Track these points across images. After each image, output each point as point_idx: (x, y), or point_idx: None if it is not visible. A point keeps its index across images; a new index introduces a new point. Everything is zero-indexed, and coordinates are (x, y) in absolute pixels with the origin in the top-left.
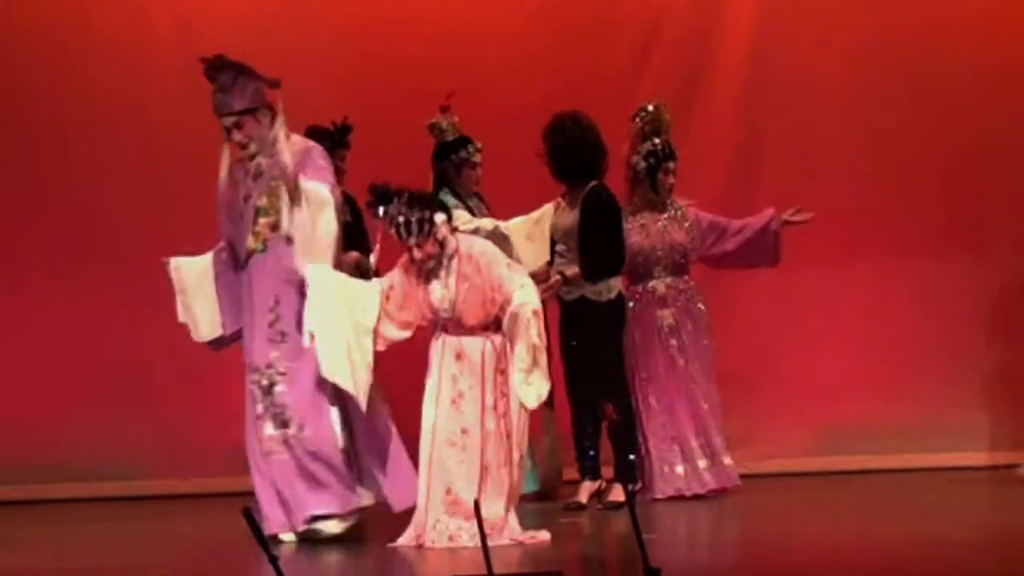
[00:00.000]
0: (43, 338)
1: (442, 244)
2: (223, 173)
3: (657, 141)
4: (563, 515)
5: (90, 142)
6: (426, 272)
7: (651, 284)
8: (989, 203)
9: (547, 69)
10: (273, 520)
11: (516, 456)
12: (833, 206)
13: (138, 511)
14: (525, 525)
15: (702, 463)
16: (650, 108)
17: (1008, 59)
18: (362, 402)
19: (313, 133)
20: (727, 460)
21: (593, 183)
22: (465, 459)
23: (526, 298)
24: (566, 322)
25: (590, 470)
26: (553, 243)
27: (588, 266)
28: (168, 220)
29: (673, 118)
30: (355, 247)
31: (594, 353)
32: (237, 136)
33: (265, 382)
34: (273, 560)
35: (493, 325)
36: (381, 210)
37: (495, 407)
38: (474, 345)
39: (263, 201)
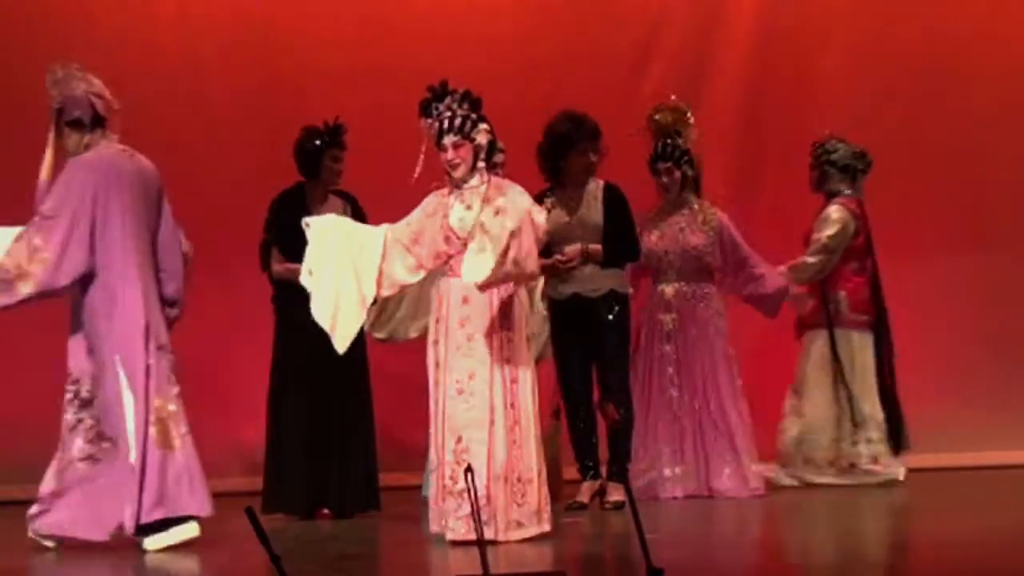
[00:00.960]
0: (44, 338)
1: (476, 154)
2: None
3: (660, 143)
4: (565, 515)
5: None
6: (449, 201)
7: (660, 287)
8: (992, 202)
9: (549, 69)
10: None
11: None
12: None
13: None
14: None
15: (668, 471)
16: (654, 115)
17: (1010, 58)
18: (339, 346)
19: (306, 133)
20: (753, 467)
21: (604, 181)
22: (474, 405)
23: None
24: (568, 322)
25: (591, 470)
26: (552, 244)
27: (616, 251)
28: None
29: (680, 119)
30: None
31: (599, 352)
32: None
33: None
34: (275, 560)
35: None
36: (434, 107)
37: (502, 350)
38: None
39: None
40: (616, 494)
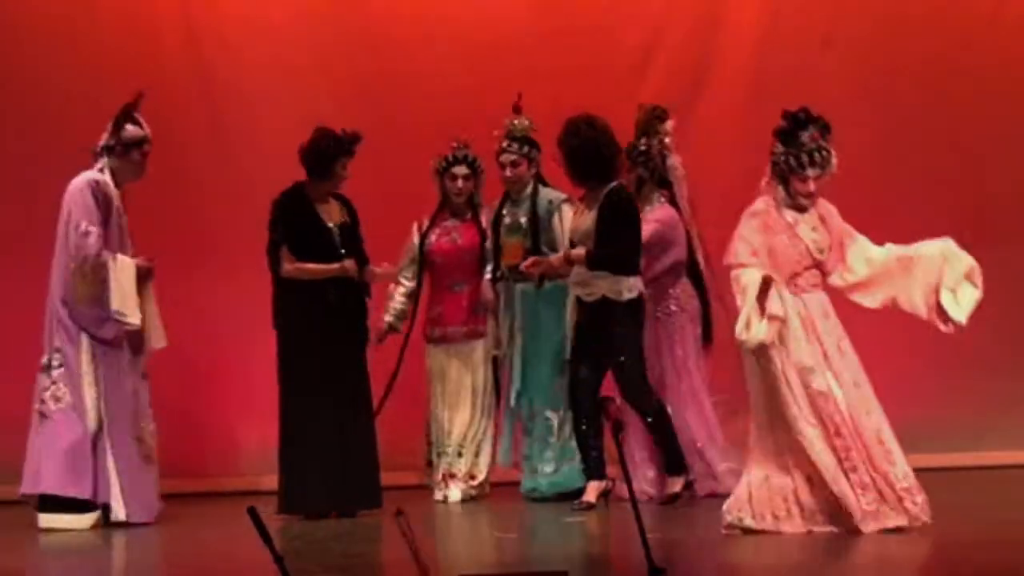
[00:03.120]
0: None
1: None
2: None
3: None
4: (572, 515)
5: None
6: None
7: None
8: (994, 202)
9: (551, 73)
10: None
11: None
12: (837, 206)
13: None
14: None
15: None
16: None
17: (1013, 57)
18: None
19: (322, 135)
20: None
21: (613, 184)
22: None
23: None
24: (584, 322)
25: (596, 470)
26: (572, 245)
27: (596, 256)
28: (171, 219)
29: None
30: (352, 253)
31: (615, 354)
32: None
33: None
34: (278, 559)
35: None
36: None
37: None
38: None
39: None
40: (674, 487)
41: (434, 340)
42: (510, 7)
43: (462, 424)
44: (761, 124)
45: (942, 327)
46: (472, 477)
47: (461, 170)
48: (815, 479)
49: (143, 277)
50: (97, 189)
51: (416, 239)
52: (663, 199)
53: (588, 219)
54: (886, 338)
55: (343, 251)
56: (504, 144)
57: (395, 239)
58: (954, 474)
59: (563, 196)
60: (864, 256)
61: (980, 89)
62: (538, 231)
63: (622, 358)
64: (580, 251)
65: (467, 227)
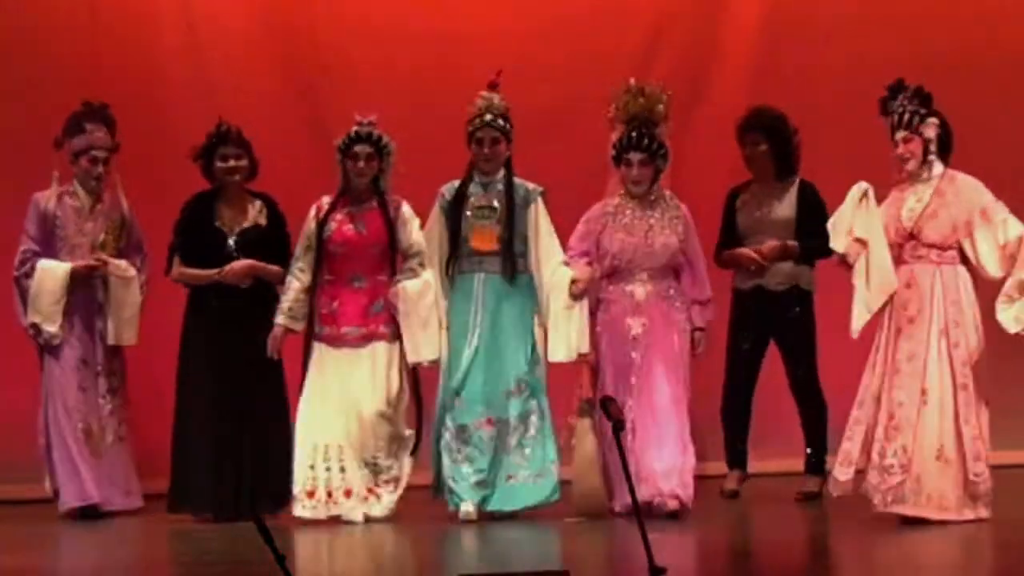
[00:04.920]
0: None
1: (926, 148)
2: None
3: (633, 131)
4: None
5: None
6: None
7: (629, 288)
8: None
9: (554, 67)
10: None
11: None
12: (838, 206)
13: (144, 509)
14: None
15: None
16: (625, 100)
17: (1014, 58)
18: None
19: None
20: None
21: (797, 177)
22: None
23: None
24: (768, 313)
25: (738, 460)
26: (739, 235)
27: (810, 248)
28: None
29: (655, 107)
30: (260, 257)
31: (805, 342)
32: None
33: None
34: (280, 560)
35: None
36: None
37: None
38: None
39: None
40: (811, 485)
41: (324, 339)
42: (510, 5)
43: (352, 435)
44: None
45: None
46: (371, 492)
47: (364, 149)
48: None
49: (80, 278)
50: (35, 205)
51: (313, 225)
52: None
53: (781, 209)
54: None
55: (237, 256)
56: (487, 118)
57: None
58: None
59: (540, 187)
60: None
61: (983, 89)
62: (514, 218)
63: (808, 346)
64: (793, 243)
65: (372, 215)
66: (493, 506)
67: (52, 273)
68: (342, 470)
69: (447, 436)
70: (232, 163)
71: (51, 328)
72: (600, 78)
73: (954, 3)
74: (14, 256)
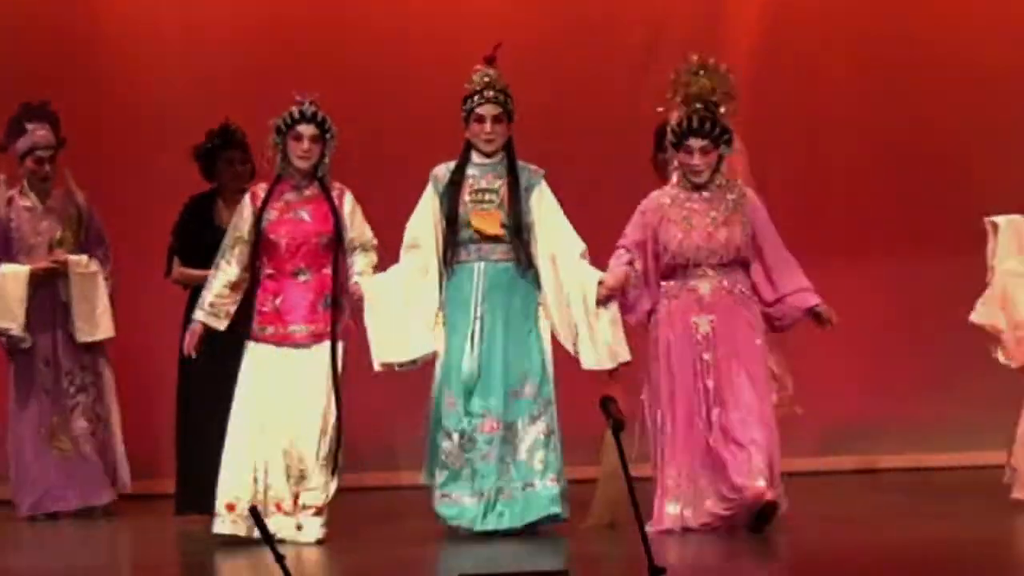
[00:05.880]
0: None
1: None
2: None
3: (694, 114)
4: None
5: (93, 144)
6: None
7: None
8: (996, 202)
9: (553, 69)
10: None
11: None
12: (839, 206)
13: (145, 509)
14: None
15: None
16: (684, 79)
17: (1015, 57)
18: None
19: (206, 136)
20: None
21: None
22: None
23: None
24: None
25: None
26: None
27: None
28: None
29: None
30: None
31: None
32: None
33: None
34: (280, 559)
35: None
36: None
37: None
38: None
39: None
40: None
41: (266, 339)
42: (510, 6)
43: (292, 443)
44: (762, 123)
45: None
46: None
47: (308, 129)
48: None
49: (45, 279)
50: None
51: (249, 215)
52: None
53: None
54: (891, 337)
55: None
56: (488, 94)
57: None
58: (966, 473)
59: (541, 170)
60: None
61: (984, 89)
62: (519, 200)
63: None
64: None
65: (316, 204)
66: (506, 522)
67: (13, 276)
68: (271, 484)
69: (446, 445)
70: (238, 167)
71: (17, 332)
72: (600, 78)
73: (953, 7)
74: None
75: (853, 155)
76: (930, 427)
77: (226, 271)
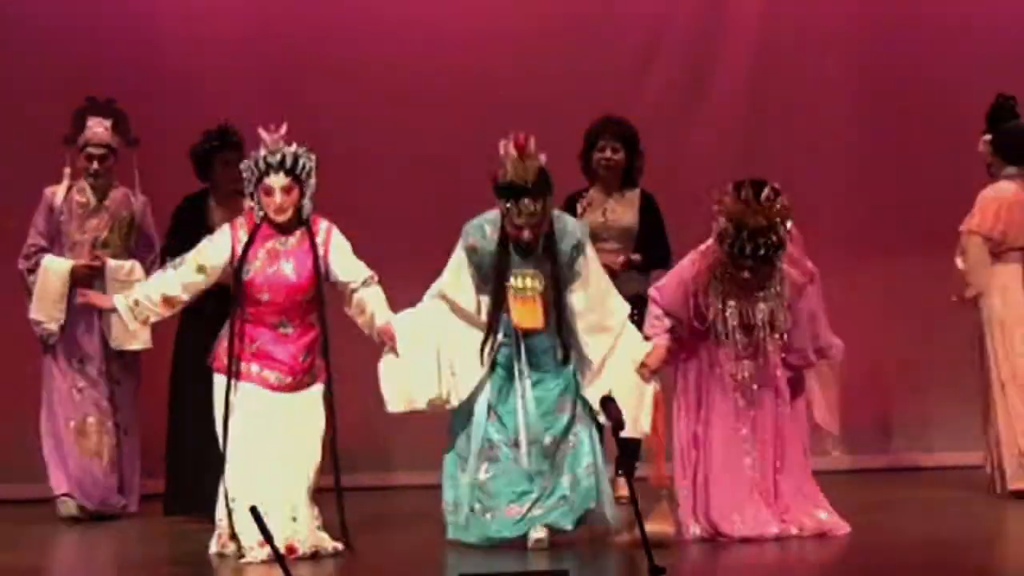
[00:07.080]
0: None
1: None
2: None
3: (754, 241)
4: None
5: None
6: None
7: None
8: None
9: (554, 67)
10: None
11: None
12: (838, 206)
13: (146, 509)
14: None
15: None
16: (738, 213)
17: (1015, 58)
18: None
19: (202, 136)
20: None
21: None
22: None
23: None
24: None
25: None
26: None
27: (651, 260)
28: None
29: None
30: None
31: None
32: None
33: None
34: (280, 559)
35: None
36: None
37: None
38: None
39: None
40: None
41: (251, 379)
42: (509, 8)
43: (289, 481)
44: (762, 124)
45: None
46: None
47: (278, 180)
48: None
49: (84, 278)
50: (44, 198)
51: (224, 251)
52: None
53: (624, 217)
54: (890, 337)
55: None
56: (521, 194)
57: (392, 247)
58: (960, 473)
59: (580, 224)
60: None
61: (984, 89)
62: (562, 291)
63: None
64: (637, 256)
65: (301, 255)
66: (552, 520)
67: (56, 271)
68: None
69: (468, 458)
70: (236, 169)
71: (51, 326)
72: (600, 78)
73: (952, 8)
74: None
75: (853, 155)
76: (930, 427)
77: (171, 285)
